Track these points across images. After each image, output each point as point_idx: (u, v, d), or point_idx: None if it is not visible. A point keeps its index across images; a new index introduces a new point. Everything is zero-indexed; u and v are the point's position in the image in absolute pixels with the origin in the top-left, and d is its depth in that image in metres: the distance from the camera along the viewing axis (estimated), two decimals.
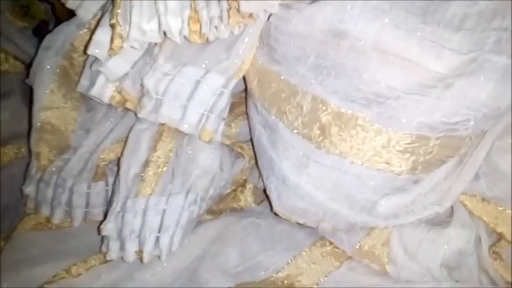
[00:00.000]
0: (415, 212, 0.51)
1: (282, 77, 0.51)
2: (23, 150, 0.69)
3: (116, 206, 0.55)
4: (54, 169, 0.62)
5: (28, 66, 0.68)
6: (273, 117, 0.52)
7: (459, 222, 0.53)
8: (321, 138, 0.49)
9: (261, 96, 0.54)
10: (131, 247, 0.55)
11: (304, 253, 0.57)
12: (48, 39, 0.63)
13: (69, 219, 0.63)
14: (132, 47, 0.51)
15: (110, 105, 0.62)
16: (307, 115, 0.49)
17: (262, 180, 0.57)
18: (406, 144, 0.47)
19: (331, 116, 0.48)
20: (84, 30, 0.61)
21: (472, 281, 0.51)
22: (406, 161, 0.48)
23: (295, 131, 0.51)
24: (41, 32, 0.80)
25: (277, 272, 0.56)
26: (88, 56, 0.59)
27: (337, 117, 0.48)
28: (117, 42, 0.50)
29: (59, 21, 0.77)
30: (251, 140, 0.60)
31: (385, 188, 0.50)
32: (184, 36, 0.50)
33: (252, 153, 0.64)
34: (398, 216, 0.51)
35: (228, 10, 0.49)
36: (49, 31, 0.67)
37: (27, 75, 0.64)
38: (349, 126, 0.48)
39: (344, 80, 0.47)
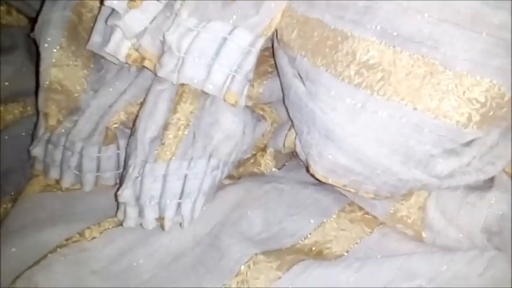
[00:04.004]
0: (471, 173, 0.48)
1: (328, 24, 0.47)
2: (29, 108, 0.66)
3: (133, 171, 0.52)
4: (63, 131, 0.59)
5: (33, 20, 0.63)
6: (318, 67, 0.49)
7: (501, 186, 0.50)
8: (380, 83, 0.45)
9: (303, 47, 0.50)
10: (151, 214, 0.53)
11: (332, 219, 0.55)
12: None
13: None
14: None
15: (121, 65, 0.58)
16: (362, 62, 0.46)
17: (298, 137, 0.54)
18: (481, 92, 0.44)
19: (393, 60, 0.45)
20: None
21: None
22: (476, 111, 0.44)
23: (346, 80, 0.47)
24: None
25: (304, 239, 0.53)
26: (99, 10, 0.55)
27: (399, 61, 0.44)
28: None
29: None
30: (282, 102, 0.56)
31: (446, 141, 0.46)
32: None
33: (273, 116, 0.61)
34: (453, 176, 0.48)
35: None
36: None
37: (32, 29, 0.60)
38: (415, 69, 0.44)
39: (404, 20, 0.43)
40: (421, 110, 0.45)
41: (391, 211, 0.53)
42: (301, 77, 0.51)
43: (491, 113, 0.45)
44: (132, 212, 0.53)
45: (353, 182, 0.51)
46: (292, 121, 0.55)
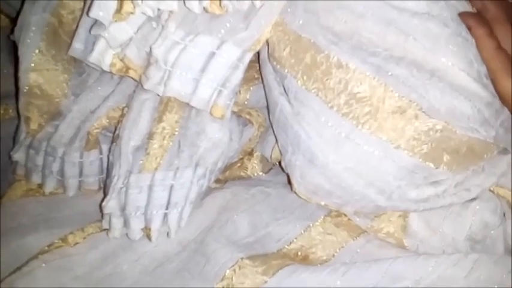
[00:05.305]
0: (445, 198, 0.49)
1: (321, 48, 0.46)
2: (11, 111, 0.65)
3: (118, 182, 0.51)
4: (44, 136, 0.57)
5: (14, 20, 0.62)
6: (309, 91, 0.48)
7: (484, 197, 0.51)
8: (367, 117, 0.45)
9: (294, 67, 0.49)
10: (137, 225, 0.52)
11: (317, 223, 0.55)
12: None
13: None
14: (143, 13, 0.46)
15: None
16: (353, 93, 0.45)
17: (282, 155, 0.53)
18: (439, 133, 0.45)
19: (383, 98, 0.45)
20: None
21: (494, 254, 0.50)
22: (449, 155, 0.46)
23: (335, 108, 0.46)
24: None
25: (290, 243, 0.53)
26: (81, 12, 0.54)
27: (389, 100, 0.45)
28: (127, 7, 0.44)
29: None
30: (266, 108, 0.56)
31: (420, 179, 0.47)
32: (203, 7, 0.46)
33: (260, 120, 0.60)
34: (428, 201, 0.49)
35: None
36: None
37: (12, 31, 0.58)
38: (402, 110, 0.44)
39: (400, 65, 0.44)
40: (401, 149, 0.46)
41: (369, 226, 0.54)
42: (287, 95, 0.50)
43: (461, 156, 0.47)
44: (117, 222, 0.52)
45: (334, 204, 0.52)
46: (276, 138, 0.55)
